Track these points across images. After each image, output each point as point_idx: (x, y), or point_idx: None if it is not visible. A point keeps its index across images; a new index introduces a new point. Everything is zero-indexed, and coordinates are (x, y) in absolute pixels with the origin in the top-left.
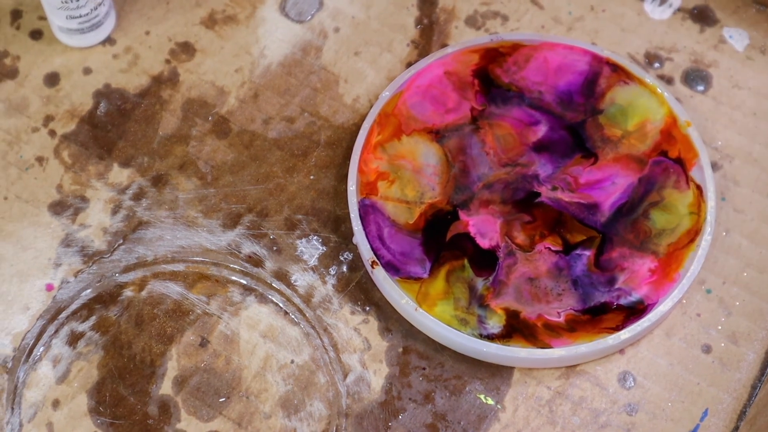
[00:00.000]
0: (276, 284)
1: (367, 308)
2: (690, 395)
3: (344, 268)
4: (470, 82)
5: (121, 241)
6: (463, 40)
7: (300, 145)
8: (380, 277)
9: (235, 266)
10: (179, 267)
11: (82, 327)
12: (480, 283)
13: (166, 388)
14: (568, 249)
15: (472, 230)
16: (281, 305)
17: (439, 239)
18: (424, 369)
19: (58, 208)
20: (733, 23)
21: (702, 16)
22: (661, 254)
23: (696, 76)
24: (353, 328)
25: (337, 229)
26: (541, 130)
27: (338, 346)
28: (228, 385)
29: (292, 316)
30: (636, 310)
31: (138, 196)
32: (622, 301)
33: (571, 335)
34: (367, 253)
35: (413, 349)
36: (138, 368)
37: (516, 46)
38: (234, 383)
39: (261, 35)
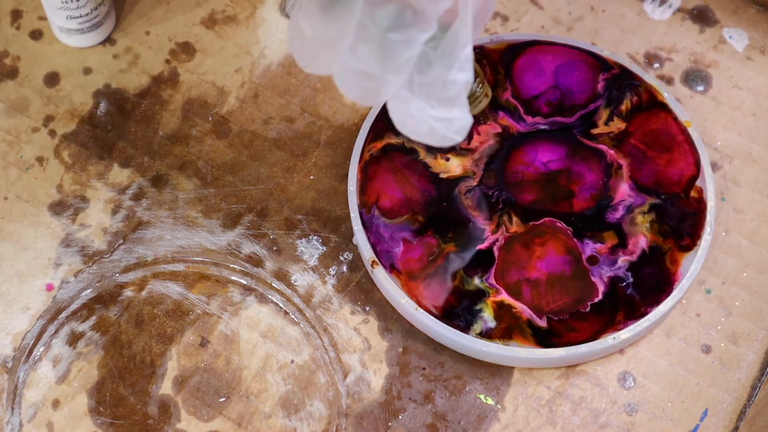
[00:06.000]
0: (276, 284)
1: (367, 308)
2: (690, 395)
3: (344, 268)
4: None
5: (121, 241)
6: None
7: (300, 145)
8: (380, 277)
9: (235, 266)
10: (179, 267)
11: (82, 327)
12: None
13: (166, 388)
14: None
15: None
16: (281, 305)
17: None
18: (424, 369)
19: (58, 208)
20: (732, 23)
21: (702, 17)
22: None
23: (696, 77)
24: (353, 328)
25: (337, 229)
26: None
27: (338, 346)
28: (228, 385)
29: (292, 316)
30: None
31: (138, 196)
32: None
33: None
34: (367, 253)
35: (413, 349)
36: (138, 368)
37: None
38: (234, 383)
39: (261, 35)
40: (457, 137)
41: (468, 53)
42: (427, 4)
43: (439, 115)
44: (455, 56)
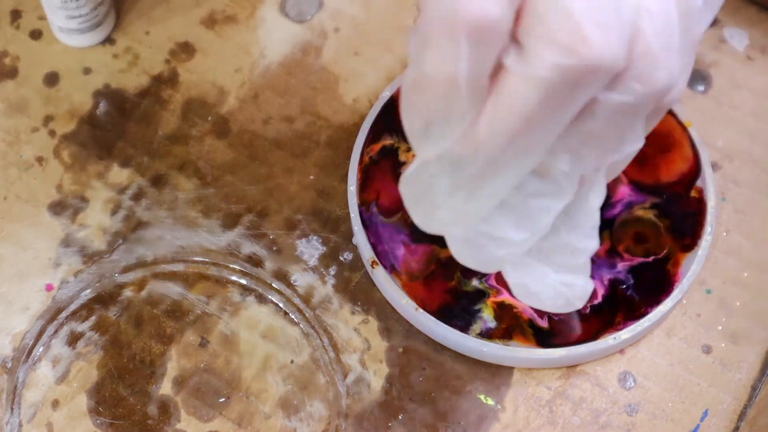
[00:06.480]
0: (276, 284)
1: (367, 308)
2: (690, 396)
3: (344, 269)
4: None
5: (121, 241)
6: None
7: (300, 145)
8: (380, 277)
9: (235, 266)
10: (179, 267)
11: (81, 327)
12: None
13: (165, 388)
14: None
15: None
16: (281, 305)
17: None
18: (424, 369)
19: (58, 208)
20: (733, 23)
21: None
22: None
23: (696, 76)
24: (353, 328)
25: (337, 229)
26: None
27: (338, 346)
28: (228, 385)
29: (292, 316)
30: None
31: (138, 196)
32: None
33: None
34: (367, 253)
35: (413, 349)
36: (138, 368)
37: None
38: (234, 383)
39: (261, 35)
40: (579, 303)
41: (597, 220)
42: (571, 175)
43: (561, 280)
44: (585, 223)
